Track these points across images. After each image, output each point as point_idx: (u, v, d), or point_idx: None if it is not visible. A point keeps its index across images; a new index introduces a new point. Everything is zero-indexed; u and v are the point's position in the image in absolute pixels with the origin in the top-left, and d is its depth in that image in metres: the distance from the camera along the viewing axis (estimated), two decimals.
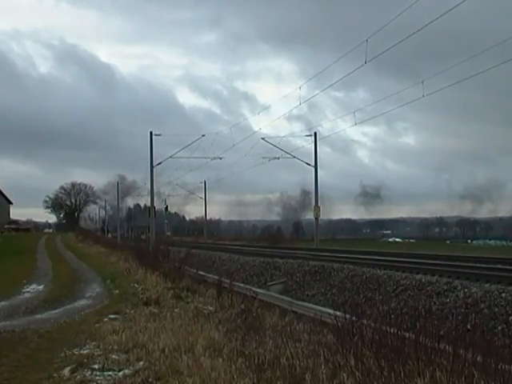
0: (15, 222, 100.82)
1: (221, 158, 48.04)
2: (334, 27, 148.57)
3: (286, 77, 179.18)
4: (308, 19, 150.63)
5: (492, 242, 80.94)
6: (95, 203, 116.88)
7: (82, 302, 15.36)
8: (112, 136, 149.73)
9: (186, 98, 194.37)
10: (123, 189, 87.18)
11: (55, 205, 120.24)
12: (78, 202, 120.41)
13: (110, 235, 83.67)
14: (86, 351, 8.80)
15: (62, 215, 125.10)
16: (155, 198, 59.93)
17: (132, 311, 12.66)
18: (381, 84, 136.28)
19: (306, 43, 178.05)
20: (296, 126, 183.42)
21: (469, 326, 7.35)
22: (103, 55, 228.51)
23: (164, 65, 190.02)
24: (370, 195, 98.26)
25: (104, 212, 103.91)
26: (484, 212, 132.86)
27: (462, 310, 13.73)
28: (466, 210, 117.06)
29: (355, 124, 42.63)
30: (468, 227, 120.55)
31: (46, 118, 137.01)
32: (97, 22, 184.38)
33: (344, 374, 5.97)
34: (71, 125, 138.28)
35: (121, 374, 7.42)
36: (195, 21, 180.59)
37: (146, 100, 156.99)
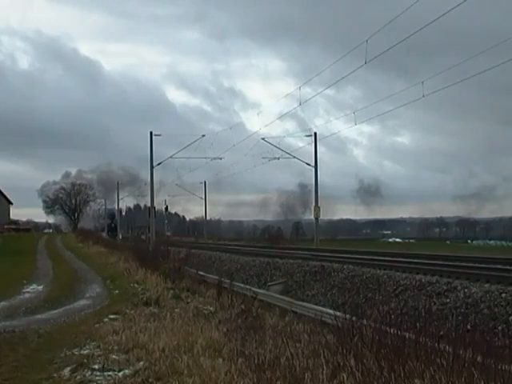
0: (15, 222, 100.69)
1: (221, 159, 48.14)
2: (319, 23, 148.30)
3: (272, 74, 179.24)
4: (293, 15, 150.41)
5: (492, 242, 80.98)
6: (92, 192, 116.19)
7: (82, 303, 15.36)
8: (106, 135, 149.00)
9: (175, 96, 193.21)
10: (124, 180, 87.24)
11: (55, 205, 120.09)
12: (77, 202, 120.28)
13: (120, 236, 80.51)
14: (86, 351, 8.79)
15: (61, 215, 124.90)
16: (160, 195, 59.97)
17: (132, 311, 12.65)
18: (372, 81, 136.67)
19: (292, 39, 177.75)
20: (288, 124, 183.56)
21: (469, 326, 7.36)
22: (86, 52, 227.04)
23: (148, 62, 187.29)
24: (369, 192, 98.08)
25: (104, 209, 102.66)
26: (484, 212, 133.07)
27: (462, 310, 13.74)
28: (465, 210, 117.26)
29: (355, 124, 42.83)
30: (468, 227, 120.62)
31: (36, 116, 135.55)
32: (77, 18, 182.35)
33: (344, 374, 5.97)
34: (63, 123, 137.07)
35: (121, 374, 7.42)
36: (177, 17, 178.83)
37: (135, 98, 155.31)
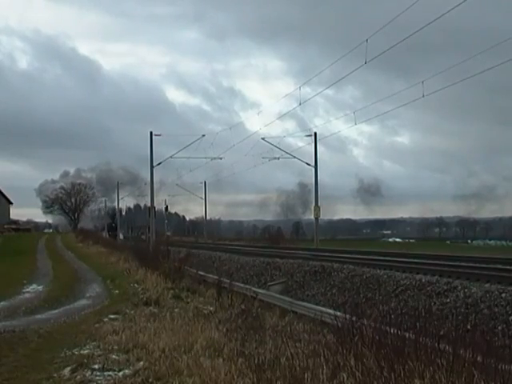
0: (15, 222, 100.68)
1: (221, 158, 48.15)
2: (319, 22, 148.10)
3: (272, 74, 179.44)
4: (293, 14, 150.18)
5: (492, 242, 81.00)
6: (92, 192, 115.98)
7: (82, 302, 15.36)
8: (106, 135, 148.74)
9: (175, 96, 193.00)
10: (124, 179, 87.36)
11: (55, 205, 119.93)
12: (78, 202, 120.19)
13: (122, 236, 79.74)
14: (86, 351, 8.79)
15: (60, 215, 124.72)
16: (160, 195, 59.87)
17: (132, 311, 12.66)
18: (372, 81, 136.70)
19: (291, 39, 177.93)
20: (288, 124, 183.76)
21: (469, 326, 7.35)
22: (84, 52, 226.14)
23: (147, 62, 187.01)
24: (369, 192, 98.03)
25: (104, 208, 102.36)
26: (484, 212, 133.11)
27: (462, 310, 13.73)
28: (465, 210, 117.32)
29: (355, 124, 42.89)
30: (468, 227, 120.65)
31: (35, 116, 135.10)
32: (75, 18, 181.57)
33: (344, 374, 5.97)
34: (62, 123, 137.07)
35: (121, 374, 7.42)
36: (176, 17, 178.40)
37: (134, 98, 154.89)
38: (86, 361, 8.10)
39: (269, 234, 75.67)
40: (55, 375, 7.52)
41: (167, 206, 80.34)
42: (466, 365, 5.59)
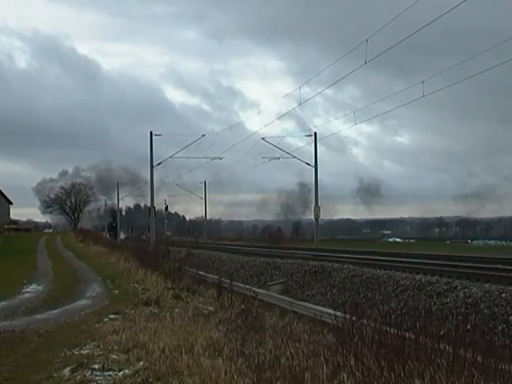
0: (15, 222, 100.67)
1: (221, 159, 48.14)
2: (318, 22, 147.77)
3: (271, 73, 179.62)
4: (292, 14, 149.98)
5: (492, 241, 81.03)
6: (92, 192, 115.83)
7: (82, 302, 15.36)
8: (105, 135, 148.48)
9: (174, 96, 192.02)
10: (125, 180, 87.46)
11: (55, 205, 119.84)
12: (77, 202, 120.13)
13: (123, 235, 79.66)
14: (86, 351, 8.79)
15: (61, 215, 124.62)
16: (160, 195, 59.92)
17: (132, 311, 12.65)
18: (372, 81, 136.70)
19: (290, 39, 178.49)
20: (288, 124, 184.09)
21: (469, 326, 7.35)
22: (84, 51, 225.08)
23: (146, 62, 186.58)
24: (369, 192, 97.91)
25: (104, 208, 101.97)
26: (484, 212, 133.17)
27: (462, 310, 13.74)
28: (465, 210, 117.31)
29: (355, 124, 42.97)
30: (468, 227, 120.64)
31: (35, 116, 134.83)
32: (74, 18, 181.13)
33: (344, 374, 5.97)
34: (61, 123, 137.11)
35: (121, 373, 7.41)
36: (176, 17, 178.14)
37: (133, 98, 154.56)
38: (85, 361, 8.10)
39: (269, 234, 75.74)
40: (55, 375, 7.52)
41: (167, 206, 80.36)
42: (466, 365, 5.59)
